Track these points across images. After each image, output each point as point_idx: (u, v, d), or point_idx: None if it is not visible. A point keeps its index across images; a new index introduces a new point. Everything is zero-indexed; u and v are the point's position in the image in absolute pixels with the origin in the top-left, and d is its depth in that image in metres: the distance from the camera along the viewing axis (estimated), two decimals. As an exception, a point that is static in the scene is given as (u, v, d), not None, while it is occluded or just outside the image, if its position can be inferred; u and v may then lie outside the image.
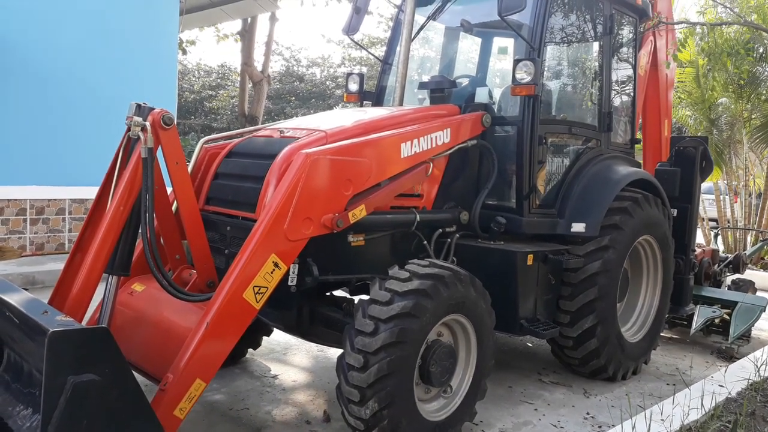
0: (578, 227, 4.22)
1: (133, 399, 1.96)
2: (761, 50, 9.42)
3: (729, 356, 5.36)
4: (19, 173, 7.10)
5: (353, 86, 5.03)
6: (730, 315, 5.56)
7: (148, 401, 2.03)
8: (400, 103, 4.49)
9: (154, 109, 2.99)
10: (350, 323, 3.06)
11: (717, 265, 6.35)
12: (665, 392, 4.44)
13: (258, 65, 13.08)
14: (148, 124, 2.88)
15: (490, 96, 4.44)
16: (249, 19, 13.00)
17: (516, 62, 3.95)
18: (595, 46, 4.78)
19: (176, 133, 3.03)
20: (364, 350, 2.88)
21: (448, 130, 3.87)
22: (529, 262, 3.93)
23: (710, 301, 5.70)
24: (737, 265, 6.47)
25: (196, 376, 2.71)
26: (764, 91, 9.27)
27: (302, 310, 3.62)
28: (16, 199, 6.98)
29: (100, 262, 2.85)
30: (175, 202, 3.27)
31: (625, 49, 5.05)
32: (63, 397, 1.80)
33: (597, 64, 4.75)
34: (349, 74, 5.09)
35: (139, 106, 3.00)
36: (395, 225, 3.66)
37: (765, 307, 5.57)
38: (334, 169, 3.21)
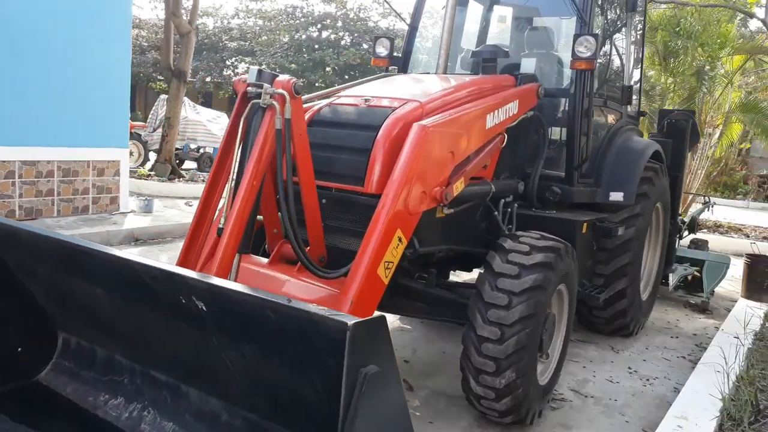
0: (616, 196, 4.48)
1: (397, 388, 1.90)
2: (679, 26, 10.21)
3: (703, 309, 5.98)
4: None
5: (382, 50, 4.91)
6: (699, 272, 6.19)
7: (403, 390, 1.97)
8: (444, 71, 4.48)
9: (276, 75, 2.79)
10: (474, 296, 3.10)
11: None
12: (672, 344, 4.91)
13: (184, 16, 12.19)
14: (285, 92, 2.69)
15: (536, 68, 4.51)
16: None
17: (576, 37, 4.05)
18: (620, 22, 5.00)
19: (302, 102, 2.85)
20: (500, 323, 2.94)
21: (517, 101, 3.93)
22: (584, 230, 4.14)
23: (680, 260, 6.30)
24: (692, 227, 7.16)
25: (342, 354, 2.64)
26: (685, 64, 10.07)
27: None
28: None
29: (235, 241, 2.66)
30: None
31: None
32: (358, 389, 1.72)
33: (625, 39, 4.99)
34: (377, 38, 4.95)
35: (260, 72, 2.78)
36: (478, 196, 3.70)
37: (728, 265, 6.24)
38: (443, 142, 3.19)
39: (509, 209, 4.06)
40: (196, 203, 9.80)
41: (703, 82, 9.98)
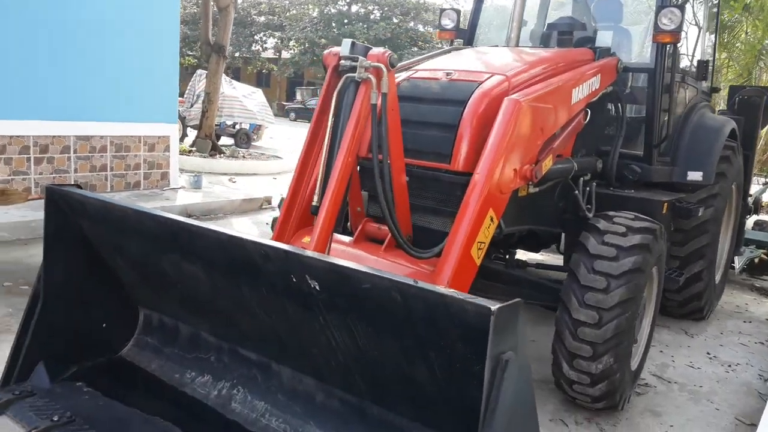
0: (695, 176, 4.30)
1: (527, 374, 1.82)
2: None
3: (771, 293, 5.80)
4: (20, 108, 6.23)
5: (448, 23, 4.76)
6: (766, 255, 5.99)
7: (531, 376, 1.89)
8: (516, 44, 4.32)
9: (370, 48, 2.69)
10: (568, 279, 3.00)
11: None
12: (747, 329, 4.76)
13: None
14: (382, 66, 2.58)
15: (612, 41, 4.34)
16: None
17: (659, 8, 3.87)
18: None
19: (394, 76, 2.75)
20: (598, 306, 2.84)
21: (599, 76, 3.77)
22: (664, 210, 3.99)
23: (745, 242, 6.09)
24: (756, 207, 6.92)
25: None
26: (749, 39, 9.68)
27: None
28: (19, 136, 6.17)
29: (331, 220, 2.59)
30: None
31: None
32: (498, 375, 1.65)
33: (696, 11, 4.76)
34: (443, 10, 4.81)
35: (353, 44, 2.68)
36: (562, 174, 3.57)
37: (798, 247, 6.03)
38: (535, 117, 3.06)
39: (588, 188, 3.93)
40: (239, 180, 9.76)
41: (761, 57, 9.60)
